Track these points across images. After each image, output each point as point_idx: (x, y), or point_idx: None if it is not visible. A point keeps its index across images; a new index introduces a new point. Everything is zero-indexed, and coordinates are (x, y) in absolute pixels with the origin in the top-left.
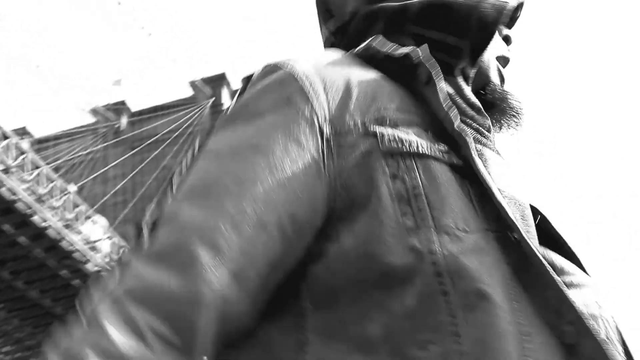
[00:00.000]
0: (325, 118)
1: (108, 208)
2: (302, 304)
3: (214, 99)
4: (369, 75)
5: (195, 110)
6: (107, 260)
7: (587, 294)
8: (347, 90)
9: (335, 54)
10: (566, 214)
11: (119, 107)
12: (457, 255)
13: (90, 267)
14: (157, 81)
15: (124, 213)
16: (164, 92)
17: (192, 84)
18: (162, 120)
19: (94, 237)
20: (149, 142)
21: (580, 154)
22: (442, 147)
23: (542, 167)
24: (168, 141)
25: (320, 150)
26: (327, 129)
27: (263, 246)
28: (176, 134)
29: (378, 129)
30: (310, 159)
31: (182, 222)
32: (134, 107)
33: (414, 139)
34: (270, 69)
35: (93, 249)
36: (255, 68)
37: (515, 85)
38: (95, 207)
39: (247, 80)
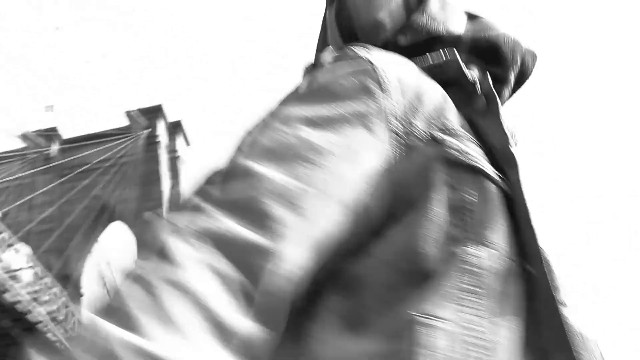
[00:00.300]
0: (396, 115)
1: (32, 236)
2: (327, 284)
3: (149, 130)
4: (436, 88)
5: (130, 141)
6: (27, 290)
7: (582, 315)
8: (418, 97)
9: (405, 60)
10: (566, 214)
11: (50, 134)
12: (490, 272)
13: (8, 297)
14: (91, 109)
15: (49, 242)
16: (99, 120)
17: (128, 114)
18: (95, 149)
19: (15, 265)
20: (79, 170)
21: (580, 154)
22: (497, 171)
23: (542, 167)
24: (99, 170)
25: (390, 145)
26: (396, 126)
27: (336, 221)
28: (108, 163)
29: (443, 137)
30: (382, 150)
31: (262, 179)
32: (66, 134)
33: (476, 155)
34: (350, 55)
35: (13, 277)
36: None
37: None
38: (19, 234)
39: (312, 67)
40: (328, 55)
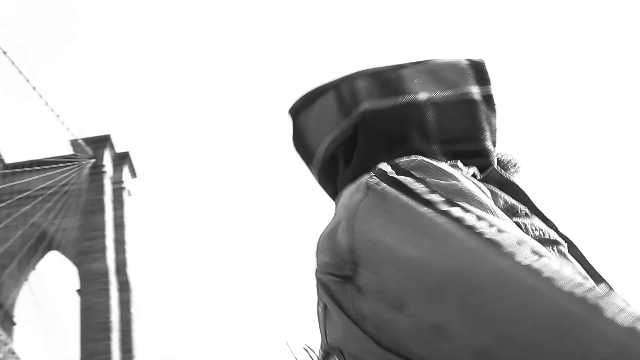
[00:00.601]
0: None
1: None
2: None
3: (94, 160)
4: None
5: (74, 169)
6: None
7: None
8: (485, 193)
9: (452, 168)
10: (566, 214)
11: None
12: None
13: None
14: (37, 135)
15: None
16: (43, 147)
17: (73, 143)
18: (37, 176)
19: None
20: (19, 196)
21: (580, 154)
22: None
23: (542, 167)
24: (40, 198)
25: None
26: None
27: None
28: (50, 191)
29: (519, 220)
30: None
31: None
32: (9, 159)
33: (546, 228)
34: (449, 174)
35: None
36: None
37: (515, 84)
38: None
39: (383, 175)
40: (388, 167)
